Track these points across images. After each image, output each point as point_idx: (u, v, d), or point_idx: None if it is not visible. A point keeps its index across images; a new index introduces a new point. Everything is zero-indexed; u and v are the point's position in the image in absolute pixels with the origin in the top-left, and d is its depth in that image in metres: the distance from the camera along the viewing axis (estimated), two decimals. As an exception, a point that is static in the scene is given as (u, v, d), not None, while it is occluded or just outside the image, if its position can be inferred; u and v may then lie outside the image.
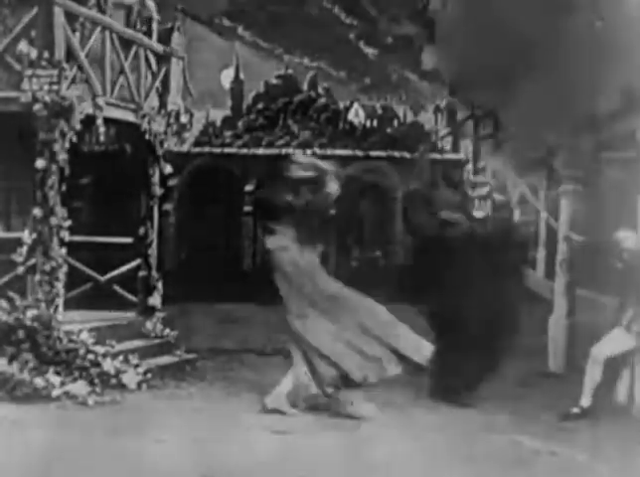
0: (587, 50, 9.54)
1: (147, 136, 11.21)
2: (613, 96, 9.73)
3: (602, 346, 8.72)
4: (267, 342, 12.21)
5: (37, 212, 9.74)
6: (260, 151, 18.17)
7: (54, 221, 9.73)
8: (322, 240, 9.28)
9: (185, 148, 16.25)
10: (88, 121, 10.02)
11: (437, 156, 18.44)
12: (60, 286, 9.81)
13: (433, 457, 7.20)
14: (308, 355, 8.74)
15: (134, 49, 11.11)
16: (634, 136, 11.13)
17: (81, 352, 9.45)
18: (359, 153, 18.08)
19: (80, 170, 10.63)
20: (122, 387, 9.41)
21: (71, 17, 9.94)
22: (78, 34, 10.09)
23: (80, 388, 9.00)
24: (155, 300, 11.52)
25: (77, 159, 10.06)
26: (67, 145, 9.72)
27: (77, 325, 9.86)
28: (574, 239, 10.14)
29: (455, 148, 19.19)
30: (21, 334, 9.28)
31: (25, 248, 9.80)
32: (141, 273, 11.58)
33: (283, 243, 8.97)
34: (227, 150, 18.24)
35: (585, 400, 8.62)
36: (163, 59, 11.72)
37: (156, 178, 11.62)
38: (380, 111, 19.12)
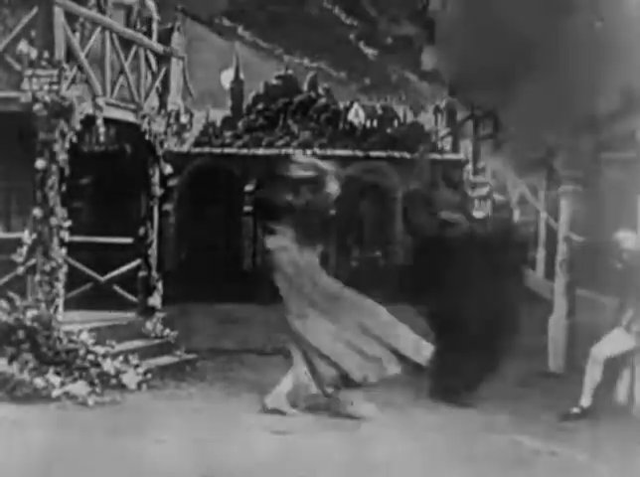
0: (587, 50, 9.53)
1: (147, 136, 11.21)
2: (613, 97, 9.72)
3: (602, 346, 8.72)
4: (267, 342, 12.20)
5: (37, 212, 9.74)
6: (260, 151, 18.16)
7: (54, 221, 9.73)
8: (322, 241, 9.29)
9: (185, 148, 16.25)
10: (88, 121, 10.02)
11: (437, 156, 18.43)
12: (60, 286, 9.81)
13: (433, 457, 7.20)
14: (308, 355, 8.74)
15: (134, 49, 11.11)
16: (634, 136, 11.13)
17: (82, 352, 9.45)
18: (359, 153, 18.08)
19: (79, 170, 10.63)
20: (122, 387, 9.41)
21: (71, 17, 9.95)
22: (78, 34, 10.09)
23: (80, 388, 9.00)
24: (155, 300, 11.52)
25: (77, 159, 10.06)
26: (67, 145, 9.72)
27: (77, 325, 9.86)
28: (574, 240, 10.14)
29: (455, 148, 19.19)
30: (21, 334, 9.28)
31: (25, 249, 9.80)
32: (141, 274, 11.58)
33: (283, 244, 8.97)
34: (227, 150, 18.23)
35: (585, 400, 8.62)
36: (163, 59, 11.72)
37: (156, 178, 11.62)
38: (380, 112, 19.11)
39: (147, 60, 11.46)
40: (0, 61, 9.86)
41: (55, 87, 9.59)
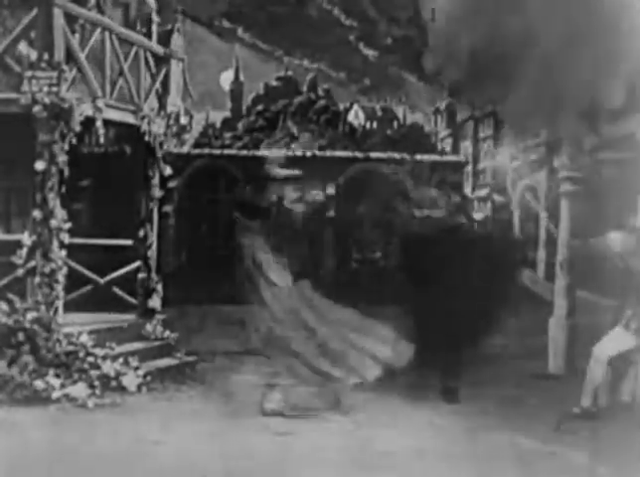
0: (588, 39, 9.46)
1: (147, 138, 11.20)
2: (617, 89, 9.67)
3: (604, 345, 8.71)
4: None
5: (37, 214, 9.74)
6: (260, 153, 18.16)
7: (53, 223, 9.72)
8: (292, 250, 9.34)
9: (185, 150, 16.24)
10: (88, 123, 10.01)
11: (437, 158, 18.43)
12: (59, 289, 9.80)
13: (433, 457, 7.20)
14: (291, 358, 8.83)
15: (134, 50, 11.11)
16: (634, 136, 11.13)
17: (81, 354, 9.44)
18: (359, 155, 18.07)
19: (79, 172, 10.63)
20: (122, 389, 9.41)
21: (70, 18, 9.94)
22: (77, 35, 10.09)
23: (79, 390, 9.00)
24: (155, 302, 11.51)
25: (76, 161, 10.05)
26: (66, 147, 9.72)
27: (76, 327, 9.86)
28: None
29: (455, 150, 19.20)
30: (21, 336, 9.27)
31: (25, 251, 9.79)
32: (141, 275, 11.57)
33: (253, 241, 9.04)
34: (226, 152, 18.23)
35: (585, 400, 8.61)
36: (163, 60, 11.72)
37: (156, 180, 11.61)
38: (379, 113, 19.12)
39: (147, 61, 11.45)
40: (0, 62, 9.86)
41: (54, 89, 9.59)
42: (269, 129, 18.71)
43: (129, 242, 11.73)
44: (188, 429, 7.91)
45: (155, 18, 11.69)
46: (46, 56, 9.63)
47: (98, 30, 10.41)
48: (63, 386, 8.97)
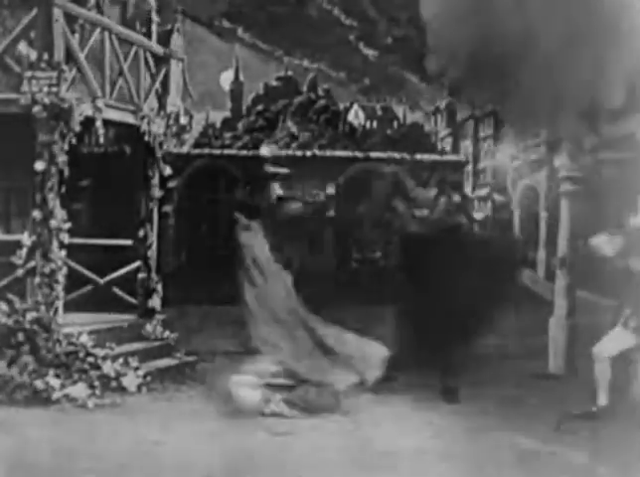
0: (587, 37, 9.44)
1: (146, 138, 11.20)
2: (617, 88, 9.65)
3: (603, 345, 8.72)
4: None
5: (36, 214, 9.73)
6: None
7: (53, 223, 9.72)
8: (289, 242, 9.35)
9: (184, 150, 16.24)
10: (88, 123, 10.01)
11: (437, 157, 18.45)
12: (59, 289, 9.80)
13: (433, 457, 7.19)
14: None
15: (134, 50, 11.11)
16: (634, 136, 11.13)
17: (81, 354, 9.44)
18: (359, 154, 18.08)
19: (79, 172, 10.62)
20: (122, 389, 9.39)
21: (70, 18, 9.94)
22: (77, 35, 10.08)
23: (79, 390, 8.99)
24: (155, 302, 11.50)
25: (76, 161, 10.05)
26: (66, 147, 9.71)
27: (76, 327, 9.85)
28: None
29: (455, 149, 19.22)
30: (21, 337, 9.27)
31: (24, 251, 9.78)
32: (141, 275, 11.57)
33: (253, 240, 9.04)
34: (226, 151, 18.24)
35: (602, 399, 8.60)
36: (163, 60, 11.72)
37: (156, 180, 11.61)
38: (379, 113, 19.13)
39: (147, 61, 11.45)
40: (0, 62, 9.86)
41: (54, 89, 9.58)
42: (269, 129, 18.72)
43: (129, 243, 11.73)
44: (188, 429, 7.91)
45: (155, 18, 11.69)
46: (45, 56, 9.62)
47: (98, 30, 10.41)
48: (63, 386, 8.96)
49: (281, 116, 18.77)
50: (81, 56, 10.08)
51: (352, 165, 17.60)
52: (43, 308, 9.56)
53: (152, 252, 11.58)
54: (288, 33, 17.85)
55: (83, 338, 9.62)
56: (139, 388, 9.54)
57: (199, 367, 11.08)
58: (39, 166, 9.63)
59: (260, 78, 19.02)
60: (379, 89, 18.73)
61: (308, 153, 17.67)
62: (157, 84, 11.63)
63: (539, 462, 7.18)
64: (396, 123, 19.07)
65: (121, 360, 9.68)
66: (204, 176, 17.84)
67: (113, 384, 9.39)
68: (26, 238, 9.78)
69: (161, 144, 11.44)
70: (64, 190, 9.82)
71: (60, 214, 9.78)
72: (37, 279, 9.69)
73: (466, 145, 19.37)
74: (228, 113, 19.05)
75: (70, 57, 9.90)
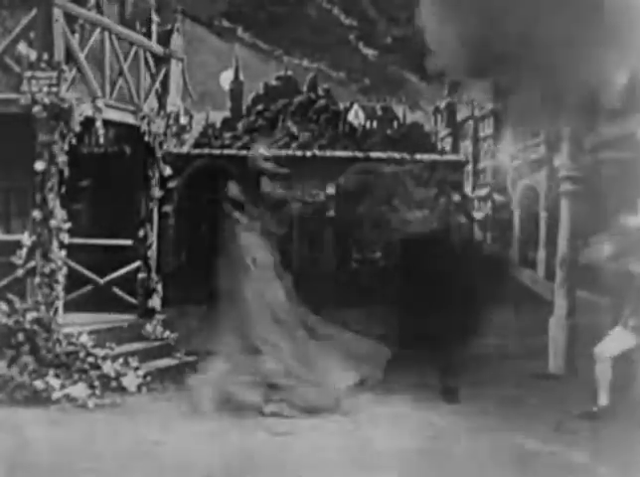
0: (590, 31, 9.42)
1: (146, 138, 11.20)
2: (615, 84, 9.63)
3: (604, 345, 8.72)
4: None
5: (36, 214, 9.73)
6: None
7: (53, 223, 9.72)
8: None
9: (184, 150, 16.23)
10: (88, 123, 10.01)
11: (437, 157, 18.43)
12: (59, 289, 9.80)
13: (433, 457, 7.19)
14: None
15: (134, 50, 11.11)
16: (634, 136, 11.13)
17: (81, 354, 9.44)
18: (359, 154, 18.06)
19: (79, 172, 10.62)
20: (122, 389, 9.40)
21: (70, 18, 9.94)
22: (77, 35, 10.09)
23: (79, 390, 8.99)
24: (155, 302, 11.51)
25: (76, 161, 10.05)
26: (66, 147, 9.71)
27: (76, 327, 9.85)
28: None
29: (455, 149, 19.20)
30: (21, 337, 9.27)
31: (24, 251, 9.79)
32: (141, 276, 11.57)
33: (252, 239, 9.03)
34: (226, 152, 18.21)
35: (603, 399, 8.60)
36: (162, 60, 11.72)
37: (156, 180, 11.61)
38: (379, 112, 19.12)
39: (147, 61, 11.45)
40: (-1, 62, 9.88)
41: (54, 89, 9.59)
42: (269, 129, 18.71)
43: (129, 243, 11.73)
44: (188, 429, 7.91)
45: (155, 18, 11.69)
46: (45, 56, 9.62)
47: (98, 30, 10.41)
48: (63, 386, 8.97)
49: (281, 116, 18.76)
50: (81, 56, 10.09)
51: (352, 165, 17.59)
52: (43, 308, 9.57)
53: (152, 252, 11.59)
54: (288, 33, 17.83)
55: (84, 338, 9.62)
56: (139, 388, 9.54)
57: (199, 367, 11.07)
58: (39, 166, 9.63)
59: (260, 77, 19.00)
60: (379, 89, 18.71)
61: (308, 153, 17.65)
62: (157, 84, 11.63)
63: (539, 462, 7.19)
64: (396, 123, 19.05)
65: (121, 360, 9.69)
66: (204, 176, 17.81)
67: (113, 384, 9.40)
68: (26, 239, 9.79)
69: (161, 144, 11.45)
70: (64, 190, 9.82)
71: (60, 214, 9.78)
72: (37, 279, 9.70)
73: (466, 145, 19.36)
74: (228, 113, 19.03)
75: (70, 57, 9.91)
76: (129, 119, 11.04)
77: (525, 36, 9.26)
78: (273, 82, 19.17)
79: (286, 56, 18.62)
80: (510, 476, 6.91)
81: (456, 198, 17.56)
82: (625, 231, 8.99)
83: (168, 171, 11.71)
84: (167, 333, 11.26)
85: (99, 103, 10.13)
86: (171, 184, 16.00)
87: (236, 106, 19.13)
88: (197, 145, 18.20)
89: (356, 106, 18.90)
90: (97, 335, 9.88)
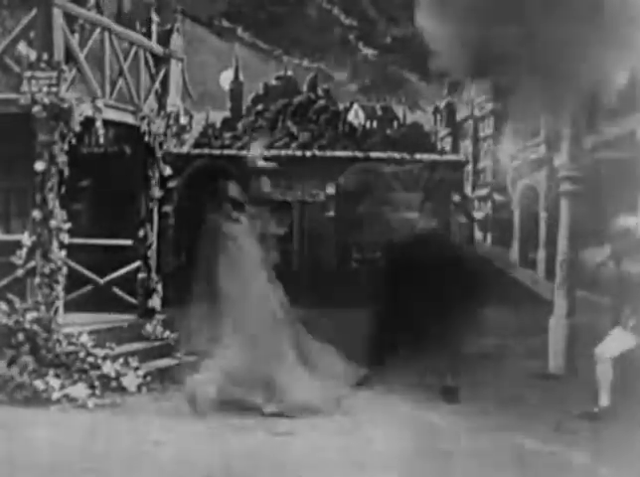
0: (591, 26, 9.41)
1: (146, 138, 11.20)
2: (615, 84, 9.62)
3: (605, 345, 8.72)
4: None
5: (36, 214, 9.73)
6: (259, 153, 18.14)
7: (53, 223, 9.72)
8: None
9: (184, 150, 16.24)
10: (88, 123, 10.01)
11: (437, 157, 18.44)
12: (59, 289, 9.80)
13: (433, 457, 7.19)
14: None
15: (134, 50, 11.11)
16: (634, 135, 11.13)
17: (81, 354, 9.43)
18: (359, 154, 18.07)
19: (79, 172, 10.62)
20: (122, 389, 9.38)
21: (70, 18, 9.94)
22: (77, 35, 10.09)
23: (79, 390, 8.98)
24: (155, 302, 11.50)
25: (76, 161, 10.05)
26: (66, 147, 9.71)
27: (76, 328, 9.85)
28: None
29: (455, 149, 19.21)
30: (20, 337, 9.27)
31: (24, 251, 9.78)
32: (141, 276, 11.57)
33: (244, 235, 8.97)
34: (226, 152, 18.22)
35: (604, 400, 8.60)
36: (162, 60, 11.72)
37: (156, 180, 11.61)
38: (379, 112, 19.12)
39: (146, 61, 11.45)
40: (-1, 62, 9.88)
41: (54, 89, 9.58)
42: (269, 129, 18.71)
43: (129, 243, 11.73)
44: (188, 429, 7.90)
45: (155, 17, 11.70)
46: (45, 56, 9.61)
47: (98, 30, 10.41)
48: (63, 386, 8.95)
49: (281, 116, 18.76)
50: (81, 56, 10.09)
51: (352, 165, 17.60)
52: (43, 308, 9.56)
53: (152, 252, 11.58)
54: (288, 32, 17.83)
55: (84, 338, 9.61)
56: (139, 388, 9.54)
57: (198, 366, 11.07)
58: (39, 166, 9.63)
59: (260, 77, 19.01)
60: (379, 89, 18.71)
61: (308, 153, 17.67)
62: (157, 85, 11.63)
63: (539, 462, 7.18)
64: (395, 123, 19.06)
65: (121, 360, 9.67)
66: (204, 176, 17.82)
67: (113, 384, 9.38)
68: (26, 239, 9.78)
69: (161, 144, 11.45)
70: (64, 190, 9.82)
71: (60, 214, 9.78)
72: (37, 279, 9.69)
73: (466, 145, 19.37)
74: (227, 113, 19.03)
75: (69, 57, 9.90)
76: (129, 119, 11.04)
77: (525, 36, 9.26)
78: (273, 82, 19.18)
79: (286, 56, 18.63)
80: (510, 476, 6.90)
81: (456, 198, 17.57)
82: (625, 231, 8.98)
83: (168, 171, 11.71)
84: (167, 333, 11.25)
85: (99, 103, 10.13)
86: (171, 184, 16.01)
87: (236, 106, 19.14)
88: (197, 145, 18.22)
89: (356, 106, 18.91)
90: (97, 335, 9.87)
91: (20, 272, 9.83)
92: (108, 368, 9.44)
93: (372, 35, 17.76)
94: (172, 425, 8.02)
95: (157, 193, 11.65)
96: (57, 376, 9.04)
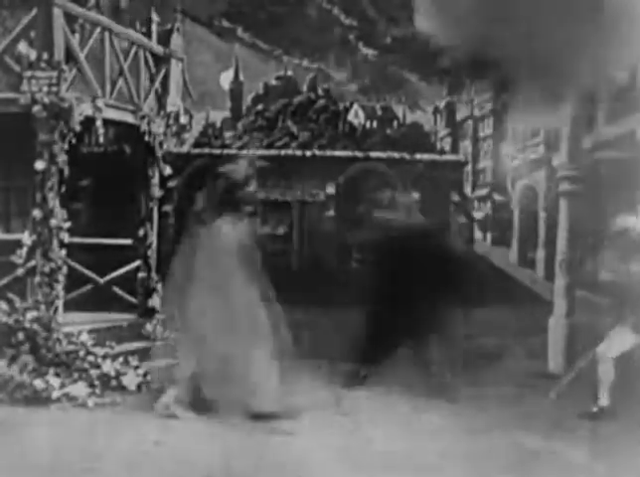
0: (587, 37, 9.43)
1: (146, 137, 11.21)
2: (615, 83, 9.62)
3: (607, 345, 8.73)
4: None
5: (36, 213, 9.74)
6: (260, 152, 18.16)
7: (53, 222, 9.73)
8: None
9: (184, 149, 16.25)
10: (88, 123, 10.02)
11: (437, 157, 18.45)
12: (59, 288, 9.81)
13: (434, 457, 7.19)
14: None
15: (134, 50, 11.12)
16: (634, 135, 11.14)
17: (81, 354, 9.44)
18: (359, 154, 18.08)
19: (79, 171, 10.63)
20: (122, 388, 9.38)
21: (70, 18, 9.95)
22: (77, 35, 10.10)
23: (79, 389, 8.98)
24: (155, 302, 11.51)
25: (76, 160, 10.06)
26: (66, 147, 9.72)
27: (76, 327, 9.86)
28: None
29: (455, 149, 19.22)
30: (21, 336, 9.27)
31: (25, 250, 9.79)
32: (141, 275, 11.58)
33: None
34: (226, 151, 18.23)
35: (604, 400, 8.61)
36: (162, 60, 11.73)
37: (156, 179, 11.62)
38: (379, 112, 19.13)
39: (146, 61, 11.46)
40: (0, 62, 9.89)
41: (54, 89, 9.60)
42: (269, 129, 18.72)
43: (129, 242, 11.74)
44: (188, 429, 7.90)
45: (155, 17, 11.71)
46: (45, 55, 9.63)
47: (98, 29, 10.42)
48: (63, 385, 8.95)
49: (281, 116, 18.76)
50: (81, 55, 10.10)
51: (352, 165, 17.61)
52: (43, 307, 9.57)
53: (152, 252, 11.60)
54: (288, 33, 17.83)
55: (84, 337, 9.62)
56: (139, 387, 9.54)
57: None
58: (39, 165, 9.64)
59: (260, 77, 19.02)
60: (378, 89, 18.72)
61: (308, 153, 17.68)
62: (157, 84, 11.64)
63: (539, 462, 7.19)
64: (395, 123, 19.06)
65: (121, 359, 9.68)
66: (204, 176, 17.81)
67: (113, 382, 9.38)
68: (26, 238, 9.80)
69: (161, 144, 11.46)
70: (64, 189, 9.83)
71: (60, 213, 9.80)
72: (37, 278, 9.71)
73: (466, 145, 19.38)
74: (227, 113, 19.04)
75: (70, 56, 9.92)
76: (129, 119, 11.06)
77: (525, 36, 9.26)
78: (273, 82, 19.19)
79: (286, 56, 18.62)
80: (510, 476, 6.91)
81: (456, 198, 17.58)
82: (624, 230, 8.99)
83: (168, 170, 11.72)
84: (167, 333, 11.25)
85: (99, 103, 10.14)
86: (171, 183, 16.01)
87: (235, 106, 19.15)
88: (197, 145, 18.22)
89: (356, 106, 18.92)
90: (97, 334, 9.88)
91: (20, 271, 9.85)
92: (108, 367, 9.44)
93: (372, 35, 17.76)
94: (172, 425, 8.01)
95: (157, 192, 11.67)
96: (57, 375, 9.04)
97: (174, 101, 11.82)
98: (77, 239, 10.47)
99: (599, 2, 9.16)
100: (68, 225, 9.85)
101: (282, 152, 17.77)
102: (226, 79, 19.05)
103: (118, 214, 12.79)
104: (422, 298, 9.49)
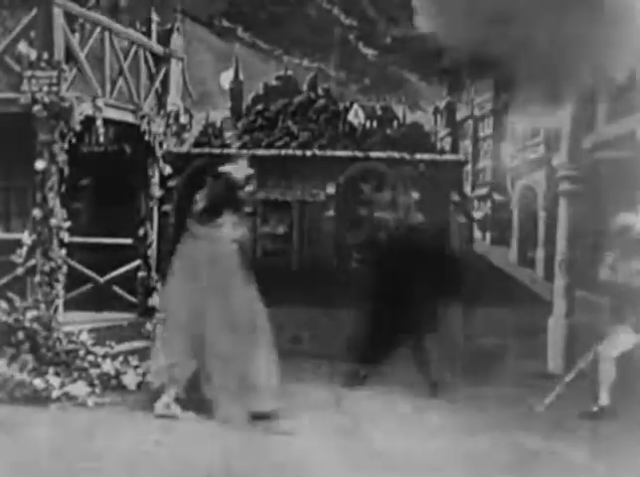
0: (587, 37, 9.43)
1: (146, 137, 11.21)
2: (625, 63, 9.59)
3: (608, 344, 8.74)
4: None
5: (36, 213, 9.74)
6: (260, 152, 18.15)
7: (53, 222, 9.73)
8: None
9: (184, 149, 16.24)
10: (88, 122, 10.02)
11: (437, 157, 18.44)
12: (59, 287, 9.81)
13: (433, 457, 7.20)
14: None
15: (134, 49, 11.12)
16: (634, 136, 11.13)
17: (81, 353, 9.44)
18: (359, 154, 18.06)
19: (79, 171, 10.64)
20: (122, 388, 9.39)
21: (70, 18, 9.95)
22: (77, 35, 10.10)
23: (79, 389, 8.98)
24: (155, 301, 11.50)
25: (76, 160, 10.06)
26: (66, 146, 9.72)
27: (76, 326, 9.86)
28: None
29: (455, 149, 19.21)
30: (20, 335, 9.27)
31: (25, 249, 9.79)
32: (141, 274, 11.58)
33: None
34: (226, 151, 18.21)
35: (604, 399, 8.61)
36: (162, 60, 11.73)
37: (156, 179, 11.62)
38: (379, 112, 19.11)
39: (146, 60, 11.47)
40: (0, 62, 9.87)
41: (54, 89, 9.59)
42: (269, 129, 18.71)
43: (129, 241, 11.74)
44: (188, 429, 7.90)
45: (155, 17, 11.71)
46: (45, 55, 9.63)
47: (98, 29, 10.42)
48: (62, 384, 8.95)
49: (281, 116, 18.75)
50: (82, 55, 10.10)
51: (352, 165, 17.59)
52: (43, 306, 9.57)
53: (152, 251, 11.60)
54: (288, 32, 17.82)
55: (83, 336, 9.62)
56: (139, 386, 9.54)
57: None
58: (39, 165, 9.64)
59: (260, 77, 19.00)
60: (378, 89, 18.70)
61: (308, 153, 17.66)
62: (157, 84, 11.64)
63: (539, 462, 7.19)
64: (395, 123, 19.04)
65: (121, 358, 9.68)
66: (204, 175, 17.80)
67: (113, 382, 9.39)
68: (26, 237, 9.80)
69: (161, 143, 11.46)
70: (64, 189, 9.83)
71: (60, 212, 9.79)
72: (37, 278, 9.70)
73: (466, 145, 19.36)
74: (227, 113, 19.02)
75: (70, 56, 9.92)
76: (129, 118, 11.06)
77: (524, 36, 9.27)
78: (273, 82, 19.16)
79: (286, 56, 18.61)
80: (510, 476, 6.91)
81: (455, 198, 17.57)
82: (624, 229, 9.00)
83: (168, 170, 11.72)
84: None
85: (99, 102, 10.14)
86: (171, 183, 16.00)
87: (235, 106, 19.13)
88: (197, 144, 18.21)
89: (356, 106, 18.90)
90: (97, 333, 9.88)
91: (20, 271, 9.84)
92: (108, 366, 9.45)
93: (372, 35, 17.75)
94: (172, 425, 8.01)
95: (157, 192, 11.67)
96: (56, 374, 9.04)
97: (174, 101, 11.83)
98: (77, 239, 10.47)
99: (599, 2, 9.17)
100: (68, 224, 9.85)
101: (282, 152, 17.76)
102: (226, 78, 19.03)
103: (118, 213, 12.78)
104: (422, 298, 9.51)
